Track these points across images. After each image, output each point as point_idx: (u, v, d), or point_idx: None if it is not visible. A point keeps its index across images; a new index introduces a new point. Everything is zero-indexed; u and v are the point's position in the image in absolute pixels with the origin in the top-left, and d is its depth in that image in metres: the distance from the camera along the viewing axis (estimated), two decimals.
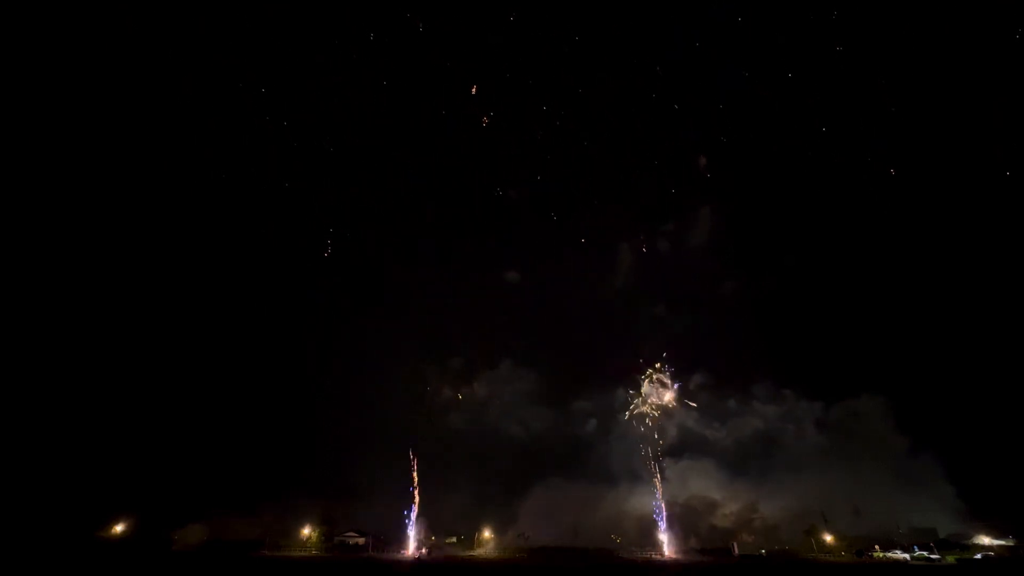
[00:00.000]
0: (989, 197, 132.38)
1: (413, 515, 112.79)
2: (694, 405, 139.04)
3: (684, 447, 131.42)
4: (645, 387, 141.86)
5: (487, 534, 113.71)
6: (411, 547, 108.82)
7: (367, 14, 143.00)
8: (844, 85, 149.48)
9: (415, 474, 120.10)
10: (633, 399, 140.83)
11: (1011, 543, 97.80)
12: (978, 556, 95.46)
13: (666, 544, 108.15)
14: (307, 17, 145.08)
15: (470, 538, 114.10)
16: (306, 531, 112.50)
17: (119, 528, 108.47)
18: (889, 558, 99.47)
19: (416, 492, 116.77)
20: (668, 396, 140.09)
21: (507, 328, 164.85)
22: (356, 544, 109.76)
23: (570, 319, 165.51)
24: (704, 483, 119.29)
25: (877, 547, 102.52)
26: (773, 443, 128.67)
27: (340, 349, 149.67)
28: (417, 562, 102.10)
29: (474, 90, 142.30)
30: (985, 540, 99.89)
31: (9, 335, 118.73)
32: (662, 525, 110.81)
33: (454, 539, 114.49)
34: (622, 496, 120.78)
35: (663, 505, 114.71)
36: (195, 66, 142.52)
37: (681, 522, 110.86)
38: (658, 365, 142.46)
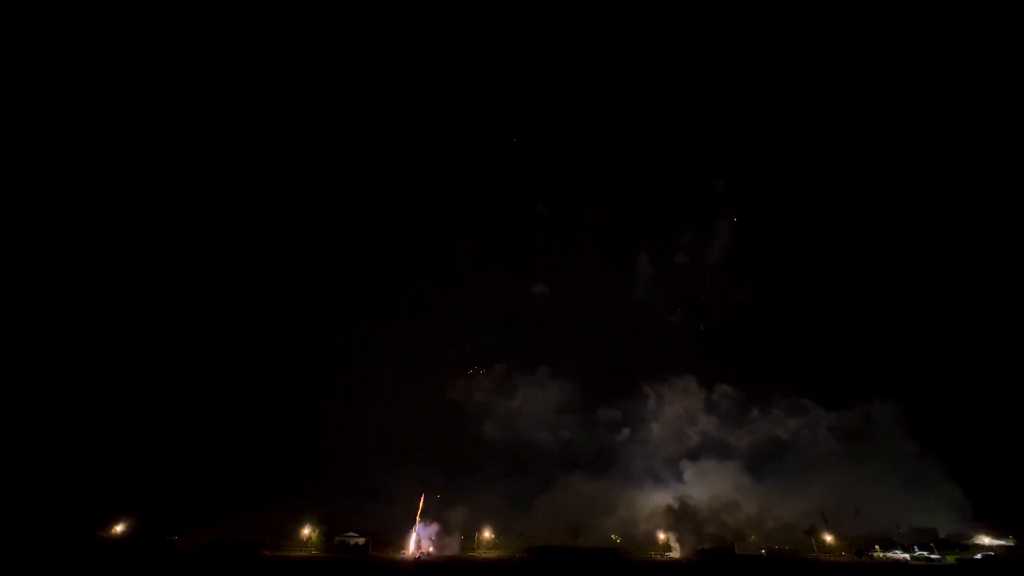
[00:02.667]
0: (991, 200, 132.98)
1: (416, 516, 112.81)
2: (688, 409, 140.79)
3: (701, 451, 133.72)
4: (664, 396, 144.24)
5: (487, 534, 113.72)
6: (411, 547, 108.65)
7: (376, 19, 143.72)
8: (844, 85, 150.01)
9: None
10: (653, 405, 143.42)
11: (1011, 543, 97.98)
12: (978, 556, 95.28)
13: (670, 544, 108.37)
14: (315, 20, 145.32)
15: (470, 538, 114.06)
16: (306, 531, 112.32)
17: (119, 528, 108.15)
18: (889, 558, 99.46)
19: (422, 493, 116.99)
20: (684, 405, 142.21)
21: (530, 337, 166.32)
22: (356, 544, 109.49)
23: (591, 329, 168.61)
24: (718, 485, 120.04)
25: (877, 547, 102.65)
26: (787, 447, 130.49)
27: (346, 352, 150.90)
28: (417, 562, 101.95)
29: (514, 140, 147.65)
30: (985, 540, 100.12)
31: (11, 335, 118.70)
32: (669, 525, 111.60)
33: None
34: (631, 497, 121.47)
35: (673, 506, 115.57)
36: (196, 68, 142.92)
37: (690, 523, 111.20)
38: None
